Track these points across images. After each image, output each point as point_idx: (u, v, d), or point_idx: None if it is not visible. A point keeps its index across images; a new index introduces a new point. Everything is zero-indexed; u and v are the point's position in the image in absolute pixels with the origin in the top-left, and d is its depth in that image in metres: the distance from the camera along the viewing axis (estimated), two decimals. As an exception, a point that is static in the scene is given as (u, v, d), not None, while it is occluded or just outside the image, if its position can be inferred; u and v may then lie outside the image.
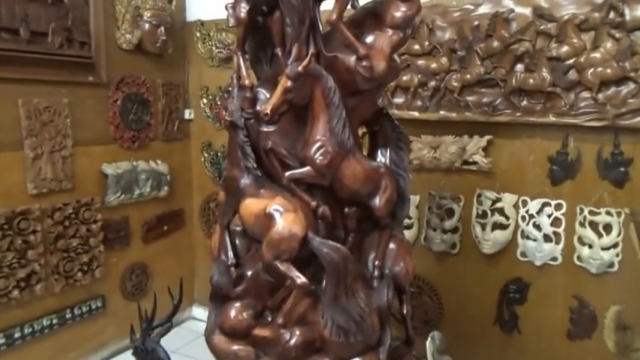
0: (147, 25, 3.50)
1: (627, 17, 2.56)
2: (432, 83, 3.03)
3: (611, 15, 2.59)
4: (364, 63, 1.79)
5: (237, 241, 2.10)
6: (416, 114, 3.10)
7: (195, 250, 4.20)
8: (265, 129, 1.93)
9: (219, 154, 3.95)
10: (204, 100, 3.94)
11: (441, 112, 3.04)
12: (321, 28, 1.92)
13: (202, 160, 4.05)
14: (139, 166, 3.62)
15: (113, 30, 3.44)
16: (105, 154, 3.46)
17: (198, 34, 3.89)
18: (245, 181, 1.95)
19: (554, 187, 2.87)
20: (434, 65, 3.02)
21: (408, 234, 3.11)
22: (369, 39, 1.84)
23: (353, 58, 1.82)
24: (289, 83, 1.75)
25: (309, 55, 1.76)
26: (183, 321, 4.14)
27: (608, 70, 2.60)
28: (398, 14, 1.81)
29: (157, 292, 3.67)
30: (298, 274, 1.79)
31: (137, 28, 3.48)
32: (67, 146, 3.20)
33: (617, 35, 2.58)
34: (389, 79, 2.00)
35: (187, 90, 4.01)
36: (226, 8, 1.94)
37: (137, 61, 3.60)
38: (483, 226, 3.03)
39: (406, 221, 3.06)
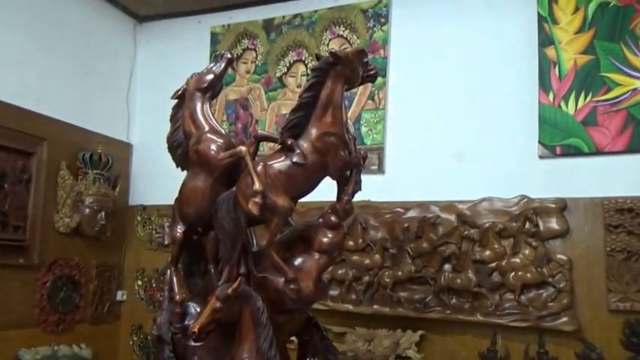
0: (87, 210, 3.49)
1: (541, 228, 2.82)
2: (366, 278, 3.12)
3: (527, 225, 2.84)
4: (292, 286, 1.88)
5: None
6: (350, 307, 3.14)
7: None
8: (192, 344, 1.91)
9: (149, 338, 3.77)
10: (139, 282, 3.86)
11: (375, 307, 3.10)
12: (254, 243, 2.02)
13: (131, 343, 3.84)
14: (60, 350, 3.37)
15: (52, 214, 3.43)
16: (24, 339, 3.23)
17: (139, 217, 3.92)
18: (165, 401, 1.87)
19: (486, 384, 2.87)
20: (367, 261, 3.13)
21: None
22: (298, 261, 1.95)
23: (282, 280, 1.89)
24: (218, 304, 1.78)
25: (239, 278, 1.82)
26: None
27: (528, 275, 2.78)
28: (325, 240, 1.96)
29: None
30: None
31: (77, 212, 3.47)
32: (-17, 333, 3.01)
33: (534, 243, 2.80)
34: (317, 299, 2.07)
35: (122, 271, 3.94)
36: (163, 227, 2.03)
37: (73, 244, 3.55)
38: None
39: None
